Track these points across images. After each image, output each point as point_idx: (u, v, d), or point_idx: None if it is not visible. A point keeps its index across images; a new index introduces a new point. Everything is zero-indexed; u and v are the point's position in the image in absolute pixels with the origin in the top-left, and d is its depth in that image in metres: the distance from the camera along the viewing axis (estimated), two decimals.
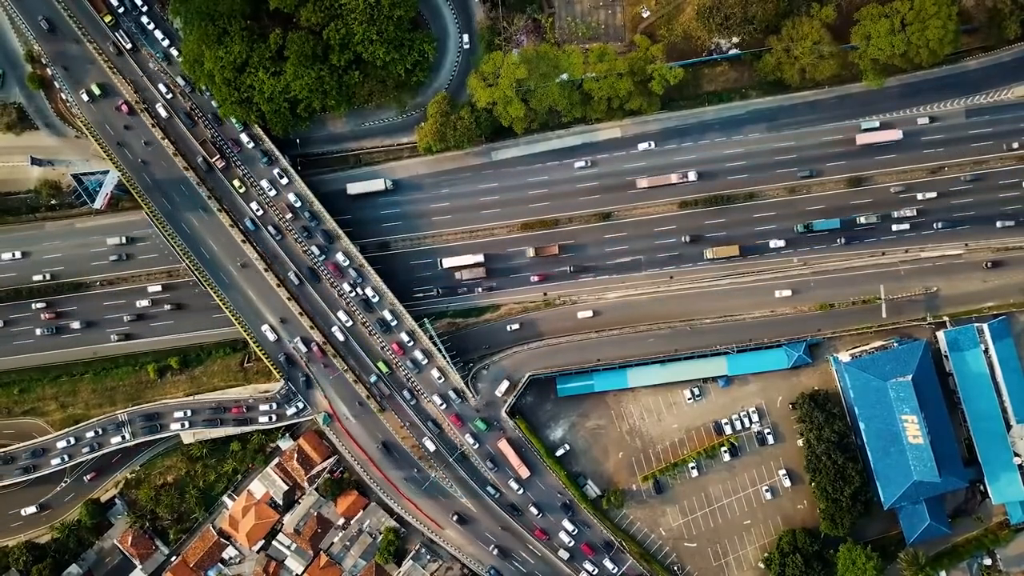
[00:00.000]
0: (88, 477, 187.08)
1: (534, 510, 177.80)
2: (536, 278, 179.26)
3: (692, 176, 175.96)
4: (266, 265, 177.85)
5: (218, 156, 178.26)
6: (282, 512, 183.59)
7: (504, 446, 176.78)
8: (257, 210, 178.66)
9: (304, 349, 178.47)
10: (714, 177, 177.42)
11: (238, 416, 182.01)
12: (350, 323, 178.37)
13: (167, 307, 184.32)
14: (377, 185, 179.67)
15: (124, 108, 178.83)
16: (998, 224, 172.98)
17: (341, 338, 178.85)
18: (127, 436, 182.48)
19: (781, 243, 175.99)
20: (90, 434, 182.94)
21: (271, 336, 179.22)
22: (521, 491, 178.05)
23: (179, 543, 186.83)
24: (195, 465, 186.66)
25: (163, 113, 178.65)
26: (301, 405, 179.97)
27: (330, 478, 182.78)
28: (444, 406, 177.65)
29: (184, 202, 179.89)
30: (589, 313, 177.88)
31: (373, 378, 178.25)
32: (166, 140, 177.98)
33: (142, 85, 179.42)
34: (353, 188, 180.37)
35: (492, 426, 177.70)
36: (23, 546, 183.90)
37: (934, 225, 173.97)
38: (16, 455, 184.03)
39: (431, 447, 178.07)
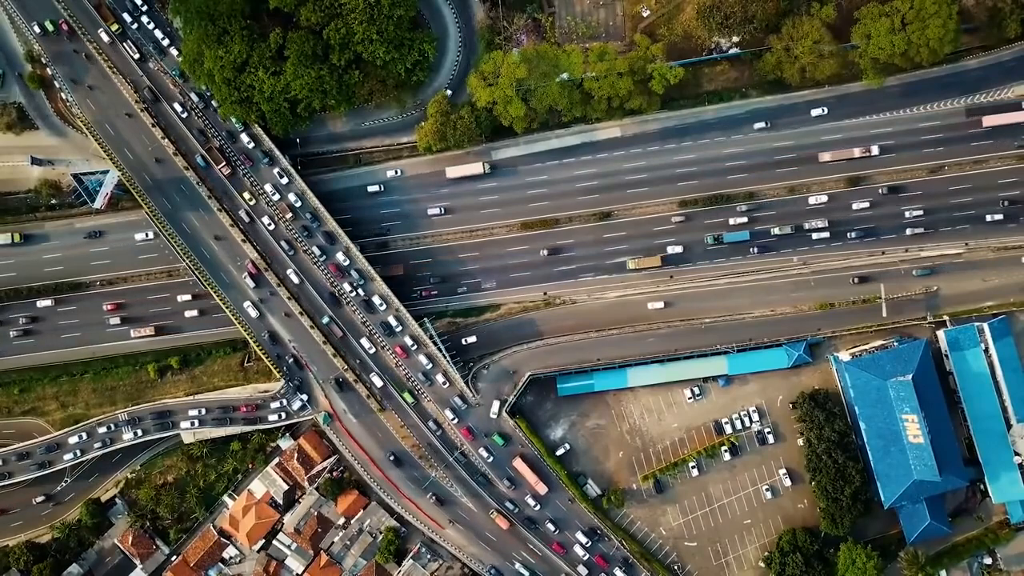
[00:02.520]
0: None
1: (551, 526, 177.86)
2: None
3: (875, 150, 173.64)
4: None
5: (224, 163, 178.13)
6: (282, 512, 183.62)
7: (519, 464, 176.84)
8: (269, 225, 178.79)
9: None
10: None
11: (247, 415, 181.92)
12: (373, 350, 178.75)
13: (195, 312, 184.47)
14: (476, 169, 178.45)
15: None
16: (907, 232, 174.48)
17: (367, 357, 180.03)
18: (139, 432, 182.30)
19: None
20: (102, 430, 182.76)
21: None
22: (538, 507, 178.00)
23: (179, 543, 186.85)
24: (195, 465, 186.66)
25: (173, 112, 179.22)
26: (306, 397, 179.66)
27: (330, 478, 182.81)
28: (456, 420, 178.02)
29: (184, 201, 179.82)
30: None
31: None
32: (166, 140, 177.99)
33: (142, 84, 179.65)
34: (452, 172, 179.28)
35: (509, 441, 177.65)
36: (23, 546, 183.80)
37: (847, 235, 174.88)
38: (30, 451, 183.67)
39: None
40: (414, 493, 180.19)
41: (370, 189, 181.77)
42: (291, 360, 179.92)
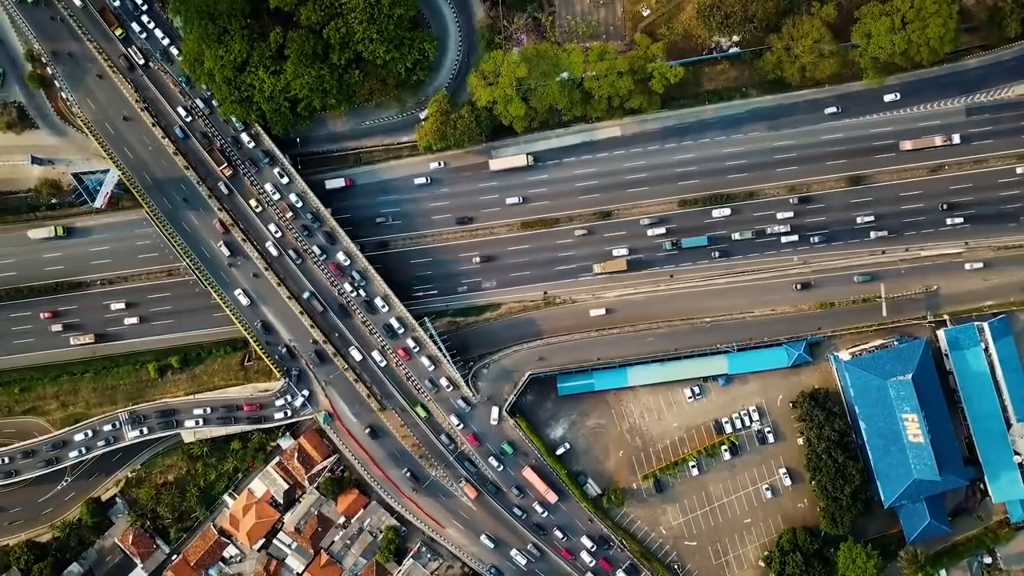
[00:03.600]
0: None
1: (559, 533, 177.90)
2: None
3: (956, 139, 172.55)
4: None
5: (225, 164, 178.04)
6: (283, 511, 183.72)
7: (529, 474, 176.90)
8: (276, 232, 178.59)
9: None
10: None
11: (251, 414, 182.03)
12: (384, 363, 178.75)
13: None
14: (519, 161, 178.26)
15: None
16: (872, 235, 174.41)
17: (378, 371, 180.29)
18: (144, 431, 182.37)
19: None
20: (107, 428, 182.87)
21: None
22: (546, 514, 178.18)
23: (180, 542, 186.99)
24: (196, 464, 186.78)
25: (178, 126, 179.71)
26: (307, 393, 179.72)
27: (331, 477, 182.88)
28: (461, 426, 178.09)
29: (183, 200, 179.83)
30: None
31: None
32: (166, 140, 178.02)
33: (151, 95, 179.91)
34: (496, 164, 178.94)
35: (518, 449, 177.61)
36: (24, 545, 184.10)
37: (811, 239, 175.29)
38: (36, 448, 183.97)
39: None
40: (414, 492, 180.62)
41: (417, 182, 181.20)
42: (287, 353, 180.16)
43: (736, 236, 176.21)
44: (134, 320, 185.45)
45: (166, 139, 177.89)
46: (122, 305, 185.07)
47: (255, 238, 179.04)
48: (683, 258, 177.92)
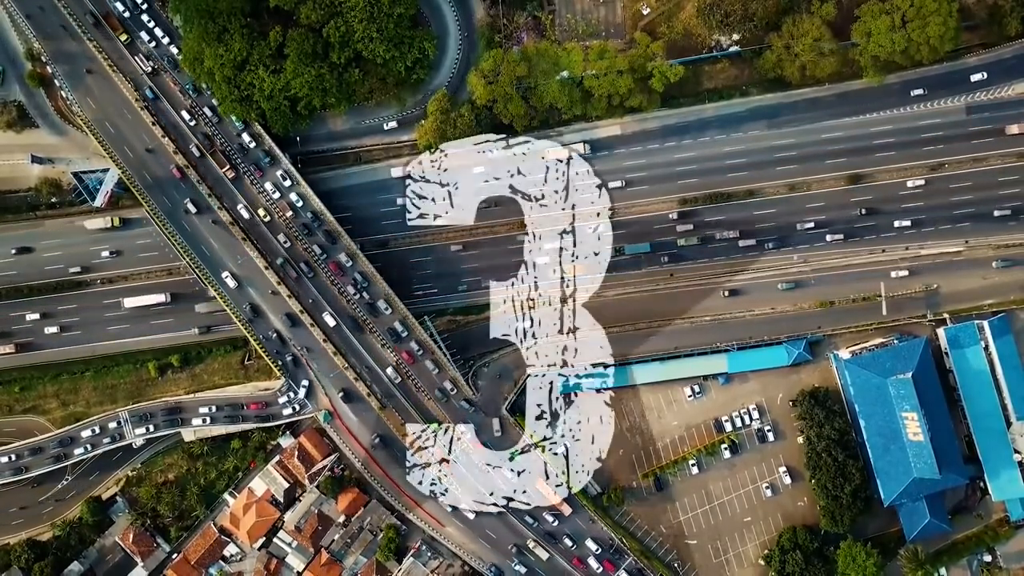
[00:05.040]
0: None
1: (568, 541, 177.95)
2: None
3: None
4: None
5: (228, 167, 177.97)
6: (283, 510, 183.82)
7: (543, 486, 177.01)
8: (285, 242, 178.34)
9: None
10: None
11: (258, 412, 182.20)
12: (398, 380, 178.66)
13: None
14: (577, 149, 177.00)
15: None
16: (828, 238, 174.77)
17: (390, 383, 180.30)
18: (150, 428, 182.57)
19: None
20: (112, 425, 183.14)
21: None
22: (556, 522, 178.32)
23: (180, 541, 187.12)
24: (196, 463, 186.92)
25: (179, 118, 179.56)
26: (307, 383, 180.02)
27: (331, 476, 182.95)
28: (471, 437, 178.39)
29: (184, 199, 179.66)
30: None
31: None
32: (166, 139, 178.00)
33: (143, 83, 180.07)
34: (551, 154, 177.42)
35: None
36: (24, 543, 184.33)
37: (765, 245, 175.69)
38: (43, 445, 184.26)
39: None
40: (414, 491, 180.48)
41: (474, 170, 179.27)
42: (291, 358, 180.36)
43: (681, 242, 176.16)
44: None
45: (166, 138, 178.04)
46: (36, 316, 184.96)
47: (266, 251, 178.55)
48: (629, 265, 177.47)
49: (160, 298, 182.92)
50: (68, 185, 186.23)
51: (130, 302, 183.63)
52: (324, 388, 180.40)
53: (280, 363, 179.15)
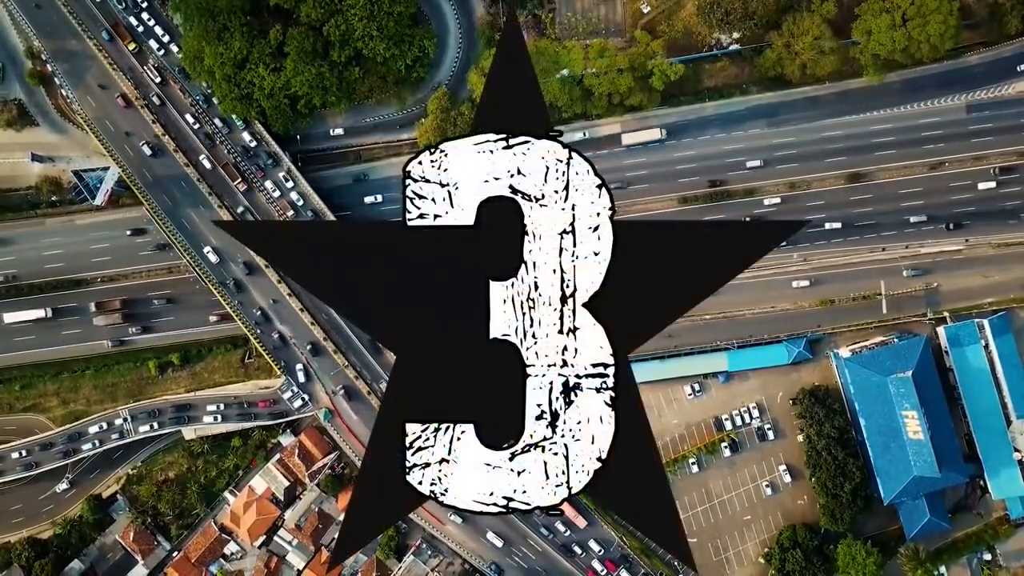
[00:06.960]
0: None
1: (578, 549, 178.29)
2: None
3: None
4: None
5: (240, 179, 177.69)
6: (283, 508, 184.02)
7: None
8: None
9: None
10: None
11: (269, 410, 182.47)
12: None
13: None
14: (653, 134, 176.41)
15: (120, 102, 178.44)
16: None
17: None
18: (154, 426, 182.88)
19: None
20: (118, 421, 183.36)
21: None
22: (569, 532, 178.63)
23: (181, 539, 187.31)
24: (196, 461, 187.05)
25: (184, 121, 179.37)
26: (304, 377, 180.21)
27: (331, 474, 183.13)
28: None
29: (184, 199, 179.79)
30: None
31: None
32: (166, 137, 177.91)
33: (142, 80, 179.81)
34: (628, 139, 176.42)
35: None
36: (25, 542, 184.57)
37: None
38: (53, 441, 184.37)
39: None
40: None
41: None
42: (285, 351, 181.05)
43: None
44: None
45: (166, 136, 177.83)
46: None
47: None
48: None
49: (40, 313, 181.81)
50: (68, 183, 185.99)
51: (9, 317, 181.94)
52: (324, 386, 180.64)
53: (282, 363, 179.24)
